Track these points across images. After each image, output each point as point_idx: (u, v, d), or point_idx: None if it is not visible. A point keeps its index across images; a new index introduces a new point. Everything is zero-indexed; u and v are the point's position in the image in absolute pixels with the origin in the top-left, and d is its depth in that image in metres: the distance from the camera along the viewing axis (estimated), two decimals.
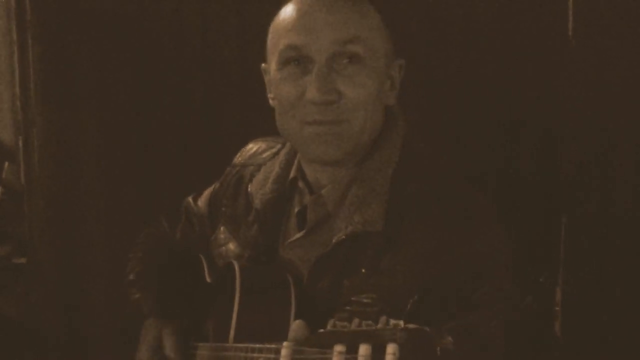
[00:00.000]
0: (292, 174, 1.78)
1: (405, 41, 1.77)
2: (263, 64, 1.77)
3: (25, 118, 2.61)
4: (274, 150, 1.90)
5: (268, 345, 1.33)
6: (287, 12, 1.66)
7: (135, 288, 1.95)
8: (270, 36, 1.70)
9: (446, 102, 2.42)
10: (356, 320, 1.09)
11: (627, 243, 2.36)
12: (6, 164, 2.66)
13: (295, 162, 1.79)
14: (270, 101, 1.75)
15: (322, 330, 1.13)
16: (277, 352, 1.25)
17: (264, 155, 1.91)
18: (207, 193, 2.03)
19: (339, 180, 1.69)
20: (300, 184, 1.76)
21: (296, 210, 1.76)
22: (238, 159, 1.97)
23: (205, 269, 1.88)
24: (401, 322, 1.04)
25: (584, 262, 2.40)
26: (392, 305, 1.48)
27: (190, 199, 2.06)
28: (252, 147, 1.97)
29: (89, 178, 2.62)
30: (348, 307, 1.54)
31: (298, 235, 1.74)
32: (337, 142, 1.62)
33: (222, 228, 1.90)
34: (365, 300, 1.51)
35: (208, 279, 1.85)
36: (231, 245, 1.86)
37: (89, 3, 2.57)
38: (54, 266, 2.64)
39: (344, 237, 1.61)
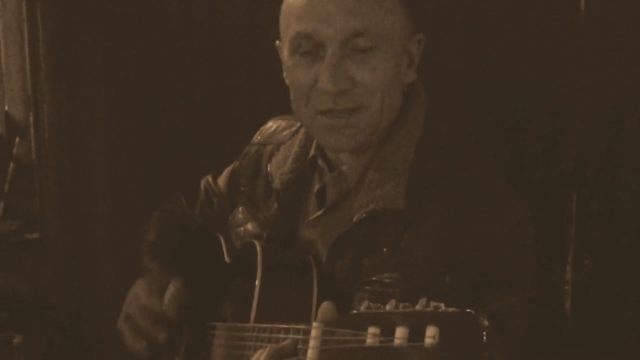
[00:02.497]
0: (311, 152, 1.76)
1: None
2: (277, 42, 1.73)
3: (35, 94, 2.60)
4: (293, 129, 1.87)
5: (296, 326, 1.30)
6: None
7: (149, 256, 1.90)
8: (282, 16, 1.66)
9: (456, 83, 2.41)
10: (392, 302, 1.07)
11: (638, 221, 2.36)
12: (17, 139, 2.64)
13: (315, 140, 1.77)
14: (287, 80, 1.71)
15: (355, 311, 1.11)
16: (306, 332, 1.23)
17: (284, 133, 1.89)
18: (226, 172, 2.01)
19: (360, 157, 1.68)
20: (320, 162, 1.74)
21: (316, 188, 1.75)
22: (257, 137, 1.95)
23: (224, 249, 1.85)
24: (442, 305, 1.01)
25: (594, 241, 2.40)
26: (413, 284, 1.47)
27: (209, 177, 2.03)
28: (271, 125, 1.95)
29: (99, 153, 2.62)
30: (368, 287, 1.53)
31: (318, 213, 1.72)
32: (351, 132, 1.60)
33: (240, 208, 1.89)
34: (386, 280, 1.50)
35: (227, 259, 1.83)
36: (249, 226, 1.84)
37: None
38: (65, 241, 2.63)
39: (364, 215, 1.59)
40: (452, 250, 1.47)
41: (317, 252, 1.68)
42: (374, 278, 1.53)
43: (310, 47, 1.58)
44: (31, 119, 2.61)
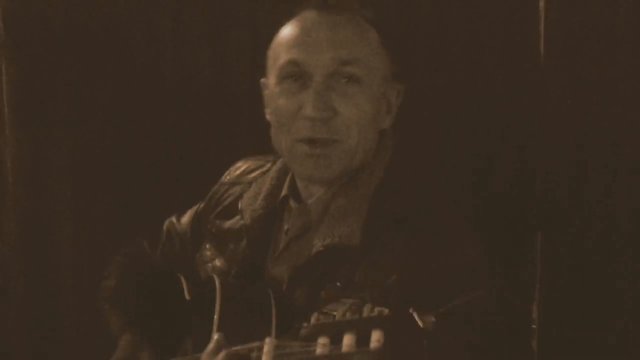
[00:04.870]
0: (283, 192, 1.80)
1: None
2: (262, 79, 1.80)
3: None
4: (263, 169, 1.91)
5: (250, 345, 1.32)
6: (290, 28, 1.70)
7: (109, 304, 1.94)
8: (271, 51, 1.74)
9: (418, 122, 2.43)
10: (340, 312, 1.08)
11: (603, 259, 2.37)
12: None
13: (287, 179, 1.80)
14: (267, 116, 1.78)
15: (305, 323, 1.13)
16: (260, 349, 1.25)
17: (253, 174, 1.92)
18: (190, 212, 2.05)
19: (326, 193, 1.71)
20: (292, 202, 1.77)
21: (286, 228, 1.78)
22: (226, 177, 1.99)
23: (185, 288, 1.87)
24: (385, 310, 1.03)
25: (560, 279, 2.41)
26: None
27: (173, 218, 2.07)
28: (240, 165, 1.98)
29: (63, 200, 2.61)
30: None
31: (282, 246, 1.76)
32: (327, 163, 1.65)
33: (207, 245, 1.91)
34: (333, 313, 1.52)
35: (187, 297, 1.84)
36: (217, 262, 1.87)
37: (63, 25, 2.57)
38: (27, 288, 2.61)
39: (321, 249, 1.64)
40: (406, 284, 1.50)
41: (280, 285, 1.71)
42: (323, 310, 1.55)
43: (298, 75, 1.65)
44: None
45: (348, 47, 1.64)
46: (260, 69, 1.82)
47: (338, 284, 1.57)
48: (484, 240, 1.67)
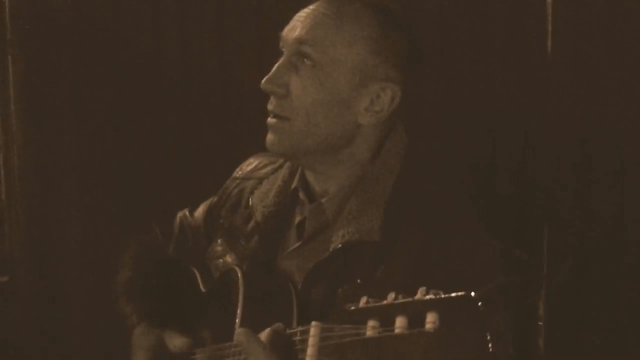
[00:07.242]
0: (294, 184, 1.79)
1: None
2: None
3: (5, 135, 2.58)
4: (275, 165, 1.90)
5: (291, 330, 1.31)
6: None
7: (124, 297, 1.94)
8: None
9: (425, 115, 2.44)
10: (391, 294, 1.08)
11: (610, 257, 2.38)
12: None
13: (298, 173, 1.79)
14: None
15: (353, 306, 1.12)
16: (304, 333, 1.24)
17: (265, 169, 1.91)
18: (203, 206, 2.03)
19: (340, 189, 1.70)
20: (301, 195, 1.76)
21: (297, 220, 1.77)
22: (238, 172, 1.98)
23: (199, 280, 1.87)
24: (440, 292, 1.02)
25: (567, 277, 2.42)
26: None
27: (186, 211, 2.06)
28: (252, 161, 1.97)
29: (71, 195, 2.60)
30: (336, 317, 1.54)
31: (296, 244, 1.74)
32: (278, 136, 1.68)
33: (219, 240, 1.90)
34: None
35: (203, 289, 1.85)
36: (228, 258, 1.85)
37: (69, 22, 2.56)
38: (36, 284, 2.60)
39: (340, 245, 1.62)
40: (426, 283, 1.48)
41: (294, 281, 1.69)
42: (344, 307, 1.54)
43: (282, 51, 1.69)
44: (1, 160, 2.59)
45: (311, 29, 1.64)
46: (269, 65, 1.82)
47: (358, 281, 1.56)
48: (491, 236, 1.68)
